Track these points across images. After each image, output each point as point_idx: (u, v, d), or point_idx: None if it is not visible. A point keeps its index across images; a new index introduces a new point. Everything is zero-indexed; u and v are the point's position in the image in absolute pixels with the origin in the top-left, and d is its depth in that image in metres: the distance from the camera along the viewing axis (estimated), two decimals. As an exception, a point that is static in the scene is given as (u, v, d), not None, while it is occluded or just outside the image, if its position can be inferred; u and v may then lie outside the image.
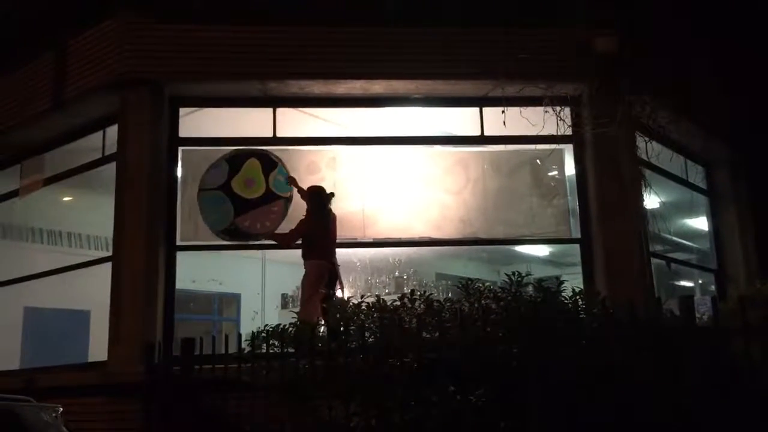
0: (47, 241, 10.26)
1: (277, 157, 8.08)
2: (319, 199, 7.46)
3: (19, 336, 9.82)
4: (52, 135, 8.83)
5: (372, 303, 5.28)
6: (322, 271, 7.22)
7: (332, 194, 7.53)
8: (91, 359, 8.27)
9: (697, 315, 4.74)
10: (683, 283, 11.09)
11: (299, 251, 7.94)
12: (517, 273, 5.02)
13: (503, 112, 7.72)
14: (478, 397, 4.50)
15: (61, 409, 5.34)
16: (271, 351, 5.40)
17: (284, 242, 7.66)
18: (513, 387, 4.48)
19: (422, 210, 8.14)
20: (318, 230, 7.37)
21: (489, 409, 4.49)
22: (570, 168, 8.33)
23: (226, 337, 5.76)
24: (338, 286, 7.33)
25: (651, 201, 8.32)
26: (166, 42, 7.85)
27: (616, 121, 7.53)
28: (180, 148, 8.06)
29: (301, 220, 7.51)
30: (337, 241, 8.16)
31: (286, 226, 7.74)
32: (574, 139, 8.08)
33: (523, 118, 7.73)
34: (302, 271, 7.32)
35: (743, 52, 10.01)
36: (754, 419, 4.18)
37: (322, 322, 6.28)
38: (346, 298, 7.06)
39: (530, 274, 5.09)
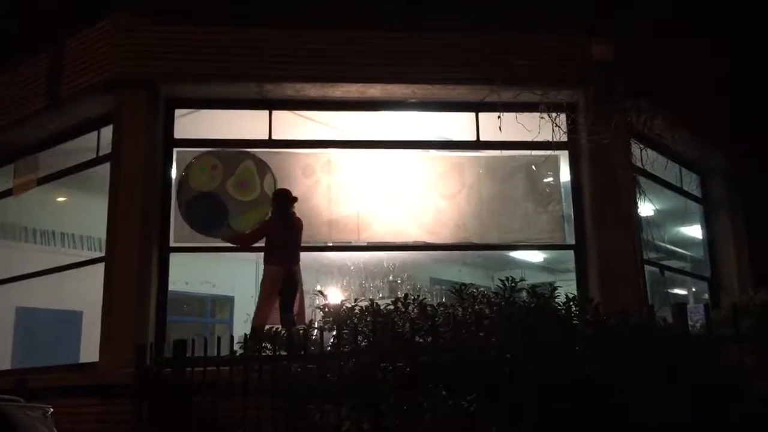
0: (40, 241, 10.24)
1: (267, 165, 8.04)
2: (281, 202, 7.36)
3: (11, 336, 9.79)
4: (47, 134, 8.79)
5: (365, 307, 5.27)
6: (277, 276, 7.12)
7: (295, 198, 7.40)
8: (82, 360, 8.24)
9: (691, 323, 4.74)
10: (677, 290, 11.11)
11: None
12: (510, 278, 5.03)
13: (499, 117, 7.73)
14: (470, 402, 4.49)
15: (52, 409, 5.31)
16: (263, 354, 5.38)
17: (243, 243, 7.59)
18: (505, 392, 4.47)
19: (417, 214, 8.13)
20: (278, 234, 7.27)
21: (481, 414, 4.48)
22: (565, 174, 8.34)
23: (219, 339, 5.72)
24: (298, 294, 7.17)
25: (645, 208, 8.33)
26: (162, 43, 7.82)
27: (612, 129, 7.55)
28: (175, 150, 8.04)
29: (264, 222, 7.50)
30: (332, 244, 8.19)
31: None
32: (570, 146, 8.09)
33: (519, 123, 7.74)
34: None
35: (740, 61, 10.05)
36: (747, 427, 4.18)
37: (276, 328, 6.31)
38: (305, 307, 7.05)
39: (524, 280, 5.09)
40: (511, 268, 10.43)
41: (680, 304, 4.82)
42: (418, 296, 5.37)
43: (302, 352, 5.22)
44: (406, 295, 5.28)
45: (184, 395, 5.61)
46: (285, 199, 7.36)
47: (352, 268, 10.12)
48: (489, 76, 7.66)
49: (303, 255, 7.87)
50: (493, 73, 7.59)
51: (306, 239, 7.78)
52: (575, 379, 4.39)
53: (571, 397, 4.31)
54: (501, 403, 4.48)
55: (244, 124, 8.38)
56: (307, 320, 6.89)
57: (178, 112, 8.13)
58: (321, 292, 7.80)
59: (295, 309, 7.12)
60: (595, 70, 7.75)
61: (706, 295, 10.48)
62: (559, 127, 7.92)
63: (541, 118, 7.82)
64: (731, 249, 10.34)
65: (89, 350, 7.81)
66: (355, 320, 5.22)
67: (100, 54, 7.99)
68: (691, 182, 10.29)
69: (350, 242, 8.17)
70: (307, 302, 9.81)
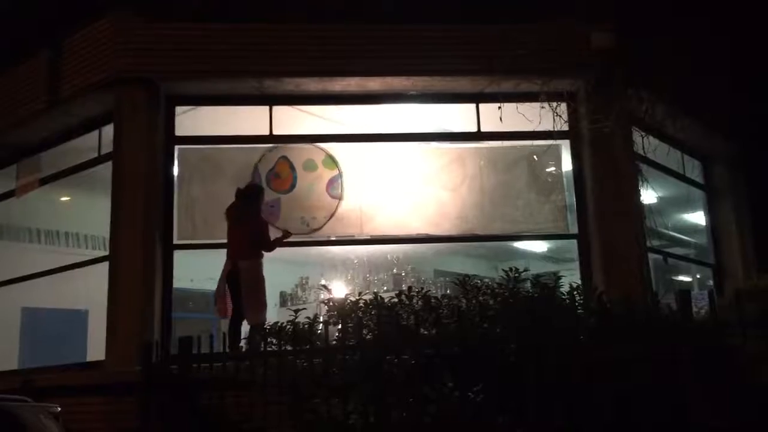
0: (44, 241, 10.25)
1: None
2: (236, 197, 7.40)
3: (17, 336, 9.81)
4: (48, 134, 8.81)
5: (369, 300, 5.27)
6: (224, 268, 7.23)
7: (240, 192, 7.37)
8: (89, 359, 8.25)
9: (695, 309, 4.74)
10: (681, 278, 11.10)
11: (297, 249, 7.95)
12: (514, 269, 5.01)
13: (500, 108, 7.72)
14: (475, 393, 4.50)
15: (59, 408, 5.34)
16: (269, 349, 5.40)
17: None
18: (510, 382, 4.47)
19: (420, 207, 8.13)
20: (228, 227, 7.35)
21: (487, 404, 4.49)
22: (567, 164, 8.34)
23: (224, 335, 5.74)
24: (243, 291, 7.08)
25: (648, 196, 8.32)
26: (162, 40, 7.83)
27: (613, 117, 7.53)
28: (176, 147, 8.05)
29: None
30: (335, 238, 8.19)
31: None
32: (571, 135, 8.09)
33: (520, 113, 7.72)
34: (298, 269, 7.35)
35: (742, 46, 10.01)
36: (751, 413, 4.18)
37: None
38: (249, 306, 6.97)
39: (528, 270, 5.08)
40: (514, 259, 10.40)
41: (684, 291, 4.81)
42: (422, 288, 5.36)
43: (308, 347, 5.22)
44: (410, 288, 5.27)
45: (191, 392, 5.63)
46: (236, 195, 7.36)
47: (355, 261, 10.12)
48: (489, 66, 7.64)
49: (306, 249, 7.89)
50: (493, 64, 7.57)
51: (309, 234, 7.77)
52: (580, 368, 4.39)
53: (575, 385, 4.32)
54: (507, 394, 4.49)
55: (246, 120, 8.37)
56: (258, 320, 6.83)
57: (178, 109, 8.13)
58: (325, 286, 7.79)
59: (252, 307, 7.11)
60: (595, 59, 7.73)
61: (710, 282, 10.47)
62: (560, 116, 7.91)
63: (542, 107, 7.81)
64: (734, 235, 10.32)
65: (95, 349, 7.82)
66: (360, 314, 5.21)
67: (100, 53, 8.00)
68: (693, 169, 10.27)
69: (353, 236, 8.17)
70: (311, 297, 9.89)
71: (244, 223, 7.28)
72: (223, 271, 7.22)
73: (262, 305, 7.18)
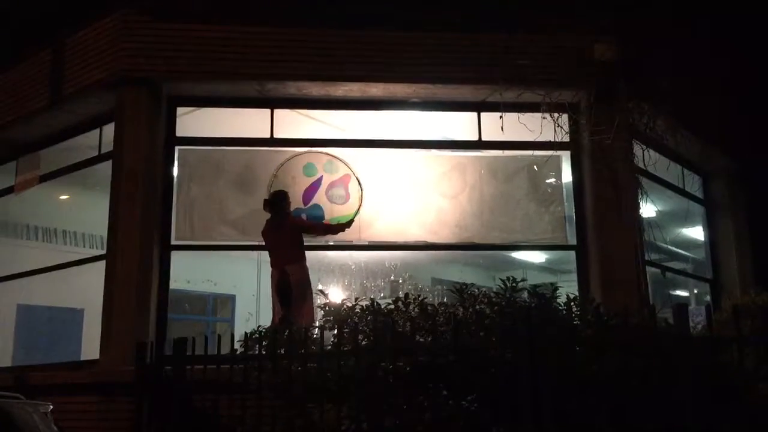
0: (42, 239, 10.25)
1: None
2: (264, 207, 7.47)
3: (12, 333, 9.79)
4: (49, 132, 8.80)
5: (366, 306, 5.26)
6: (272, 278, 7.35)
7: (266, 202, 7.46)
8: (83, 358, 8.24)
9: (692, 324, 4.73)
10: (678, 292, 11.10)
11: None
12: (512, 278, 5.01)
13: (501, 117, 7.72)
14: (470, 402, 4.48)
15: (51, 407, 5.31)
16: (264, 352, 5.38)
17: None
18: (506, 392, 4.46)
19: (418, 214, 8.12)
20: (265, 237, 7.47)
21: (481, 414, 4.48)
22: (567, 175, 8.33)
23: (219, 337, 5.72)
24: (294, 293, 7.15)
25: (647, 209, 8.32)
26: (165, 41, 7.83)
27: (614, 129, 7.53)
28: (177, 148, 8.04)
29: None
30: (333, 243, 8.19)
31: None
32: (572, 146, 8.08)
33: (521, 124, 7.72)
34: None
35: (743, 62, 10.03)
36: (747, 428, 4.17)
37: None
38: (303, 307, 7.01)
39: (525, 280, 5.07)
40: (512, 269, 10.44)
41: (681, 305, 4.80)
42: (419, 296, 5.34)
43: (302, 351, 5.21)
44: (406, 295, 5.26)
45: (185, 393, 5.61)
46: (264, 207, 7.43)
47: (353, 267, 10.12)
48: (491, 76, 7.64)
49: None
50: (495, 73, 7.57)
51: (307, 238, 7.78)
52: (576, 380, 4.38)
53: (570, 396, 4.30)
54: (501, 404, 4.47)
55: (247, 123, 8.37)
56: (310, 322, 6.86)
57: (180, 110, 8.13)
58: (322, 291, 7.80)
59: (302, 310, 7.12)
60: (597, 71, 7.73)
61: (708, 297, 10.46)
62: (561, 127, 7.91)
63: (543, 118, 7.81)
64: (733, 250, 10.31)
65: (90, 348, 7.81)
66: (356, 319, 5.20)
67: (102, 52, 8.00)
68: (693, 183, 10.27)
69: (351, 241, 8.16)
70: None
71: (279, 228, 7.37)
72: (271, 281, 7.37)
73: (312, 307, 7.29)
